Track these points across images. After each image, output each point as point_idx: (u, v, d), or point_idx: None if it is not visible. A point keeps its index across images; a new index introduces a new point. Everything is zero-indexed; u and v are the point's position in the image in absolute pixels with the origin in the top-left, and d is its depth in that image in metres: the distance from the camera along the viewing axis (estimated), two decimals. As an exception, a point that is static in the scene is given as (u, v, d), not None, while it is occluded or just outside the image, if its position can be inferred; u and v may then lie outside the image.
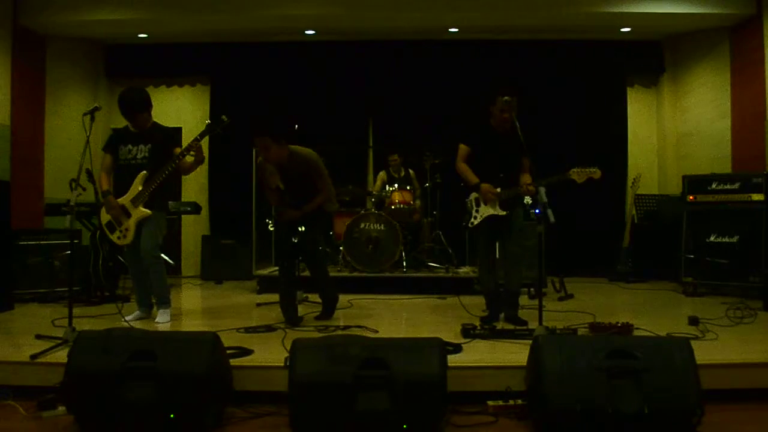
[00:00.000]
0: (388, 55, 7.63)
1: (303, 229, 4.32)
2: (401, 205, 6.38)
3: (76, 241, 4.45)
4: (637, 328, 3.82)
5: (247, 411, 2.80)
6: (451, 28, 7.31)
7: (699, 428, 2.46)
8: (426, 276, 6.08)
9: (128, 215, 4.19)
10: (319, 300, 4.60)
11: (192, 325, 4.36)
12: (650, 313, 4.72)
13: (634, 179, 7.25)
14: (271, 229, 4.23)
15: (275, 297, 4.79)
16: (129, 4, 6.67)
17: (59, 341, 3.32)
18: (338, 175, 5.37)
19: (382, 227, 6.08)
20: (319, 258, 4.55)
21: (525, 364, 2.83)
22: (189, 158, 4.17)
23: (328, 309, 4.51)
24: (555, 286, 5.66)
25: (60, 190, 6.42)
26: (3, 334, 3.91)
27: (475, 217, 4.24)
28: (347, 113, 7.60)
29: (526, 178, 4.20)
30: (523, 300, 4.71)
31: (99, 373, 2.54)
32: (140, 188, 4.15)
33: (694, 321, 4.04)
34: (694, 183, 5.88)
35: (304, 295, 5.26)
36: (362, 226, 6.10)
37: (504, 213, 4.16)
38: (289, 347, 2.71)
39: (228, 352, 3.00)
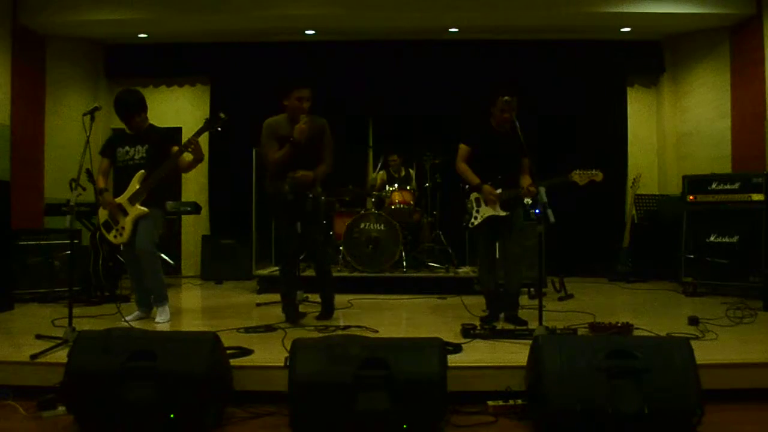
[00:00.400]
0: (388, 55, 7.63)
1: (308, 220, 4.28)
2: (401, 205, 6.38)
3: (76, 241, 4.45)
4: (637, 328, 3.82)
5: (247, 411, 2.80)
6: (451, 28, 7.31)
7: (699, 428, 2.46)
8: (426, 276, 6.08)
9: (125, 213, 4.20)
10: (319, 300, 4.60)
11: (192, 325, 4.36)
12: (650, 313, 4.72)
13: (634, 179, 7.25)
14: (291, 198, 4.16)
15: (275, 297, 4.80)
16: (129, 4, 6.67)
17: (59, 341, 3.32)
18: (338, 175, 5.36)
19: (382, 227, 6.08)
20: (325, 248, 4.50)
21: (525, 364, 2.83)
22: (188, 157, 4.17)
23: (329, 308, 4.50)
24: (555, 286, 5.66)
25: (60, 190, 6.43)
26: (3, 334, 3.92)
27: (476, 218, 4.24)
28: (347, 113, 7.59)
29: (526, 179, 4.20)
30: (523, 300, 4.71)
31: (99, 373, 2.54)
32: (137, 187, 4.16)
33: (694, 321, 4.04)
34: (694, 183, 5.87)
35: (305, 295, 5.26)
36: (362, 226, 6.10)
37: (505, 213, 4.16)
38: (289, 347, 2.71)
39: (228, 352, 3.00)
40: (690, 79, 7.38)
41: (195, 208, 6.85)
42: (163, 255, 4.41)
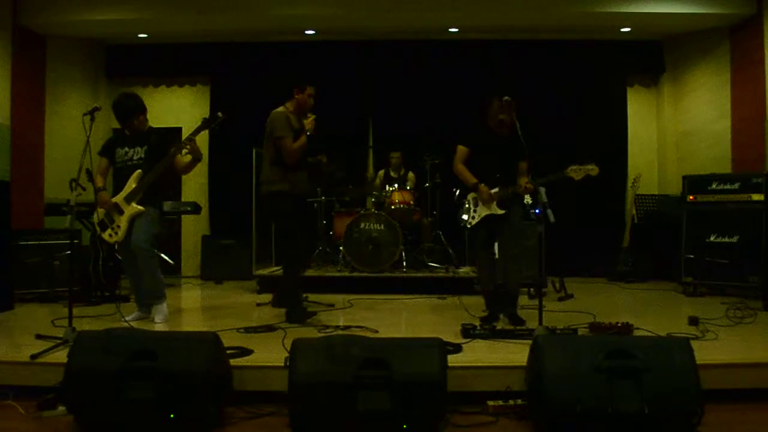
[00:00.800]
0: (388, 55, 7.63)
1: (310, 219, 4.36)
2: (401, 205, 6.38)
3: (76, 241, 4.44)
4: (637, 328, 3.82)
5: (247, 411, 2.80)
6: (451, 28, 7.32)
7: (699, 428, 2.46)
8: (426, 276, 6.08)
9: (121, 212, 4.20)
10: (319, 300, 4.59)
11: (192, 325, 4.37)
12: (650, 313, 4.72)
13: (634, 179, 7.25)
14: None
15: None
16: (129, 4, 6.67)
17: (59, 341, 3.32)
18: (338, 175, 5.36)
19: (382, 227, 6.08)
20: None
21: (525, 364, 2.83)
22: (186, 157, 4.18)
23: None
24: (555, 286, 5.66)
25: (60, 190, 6.42)
26: (3, 334, 3.92)
27: (473, 217, 4.25)
28: (347, 113, 7.59)
29: (524, 179, 4.19)
30: (523, 300, 4.71)
31: (99, 373, 2.54)
32: (134, 186, 4.17)
33: (694, 321, 4.04)
34: (694, 183, 5.87)
35: (304, 295, 5.25)
36: (362, 226, 6.10)
37: (502, 212, 4.16)
38: (289, 347, 2.71)
39: (228, 352, 2.99)
40: (690, 79, 7.39)
41: (195, 208, 6.84)
42: (162, 255, 4.40)
